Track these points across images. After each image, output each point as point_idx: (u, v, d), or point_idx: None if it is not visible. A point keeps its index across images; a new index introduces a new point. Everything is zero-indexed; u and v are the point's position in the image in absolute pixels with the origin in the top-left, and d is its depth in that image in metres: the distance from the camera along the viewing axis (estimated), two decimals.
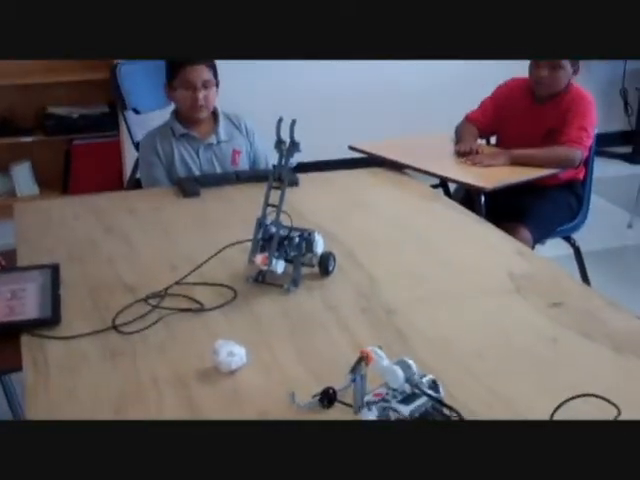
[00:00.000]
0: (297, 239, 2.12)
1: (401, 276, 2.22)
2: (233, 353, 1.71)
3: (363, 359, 1.46)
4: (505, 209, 3.31)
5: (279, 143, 2.09)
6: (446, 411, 1.43)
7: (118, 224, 2.60)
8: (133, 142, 5.00)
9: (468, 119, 3.73)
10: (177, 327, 1.91)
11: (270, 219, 2.11)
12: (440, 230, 2.60)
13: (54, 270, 2.14)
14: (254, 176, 3.08)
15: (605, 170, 5.51)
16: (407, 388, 1.43)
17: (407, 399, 1.42)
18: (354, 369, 1.48)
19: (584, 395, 1.51)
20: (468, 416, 1.50)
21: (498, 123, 3.68)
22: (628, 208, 5.23)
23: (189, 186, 2.94)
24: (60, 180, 5.23)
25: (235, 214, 2.71)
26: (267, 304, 2.03)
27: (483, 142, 3.82)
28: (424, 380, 1.46)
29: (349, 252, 2.36)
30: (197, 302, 2.02)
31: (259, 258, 2.06)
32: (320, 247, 2.17)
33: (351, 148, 3.61)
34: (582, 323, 1.93)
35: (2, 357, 1.90)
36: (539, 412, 1.53)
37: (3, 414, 2.15)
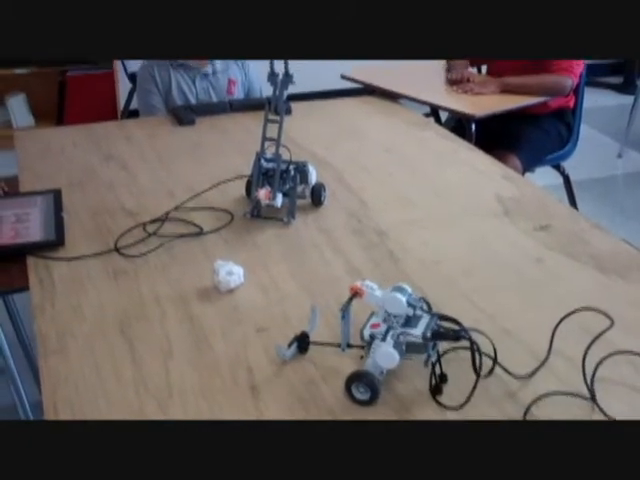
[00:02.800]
0: (292, 171, 2.15)
1: (392, 200, 2.27)
2: (232, 272, 1.77)
3: (355, 295, 1.45)
4: (495, 137, 3.36)
5: (272, 75, 2.09)
6: (448, 324, 1.45)
7: (116, 151, 2.65)
8: (126, 73, 5.03)
9: None
10: (177, 249, 1.97)
11: (268, 153, 2.13)
12: (430, 156, 2.65)
13: (56, 195, 2.19)
14: (248, 105, 3.12)
15: (596, 100, 5.55)
16: (409, 312, 1.43)
17: (409, 322, 1.43)
18: (345, 307, 1.46)
19: (580, 310, 1.53)
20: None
21: None
22: (618, 138, 5.28)
23: (184, 115, 2.98)
24: (55, 111, 5.25)
25: (229, 142, 2.76)
26: (263, 231, 2.08)
27: (474, 70, 3.86)
28: (416, 300, 1.47)
29: (340, 178, 2.42)
30: (196, 226, 2.08)
31: (262, 193, 2.07)
32: (313, 178, 2.21)
33: (343, 77, 3.65)
34: (568, 245, 1.99)
35: (8, 277, 1.96)
36: (523, 326, 1.62)
37: (7, 333, 2.21)
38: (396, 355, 1.38)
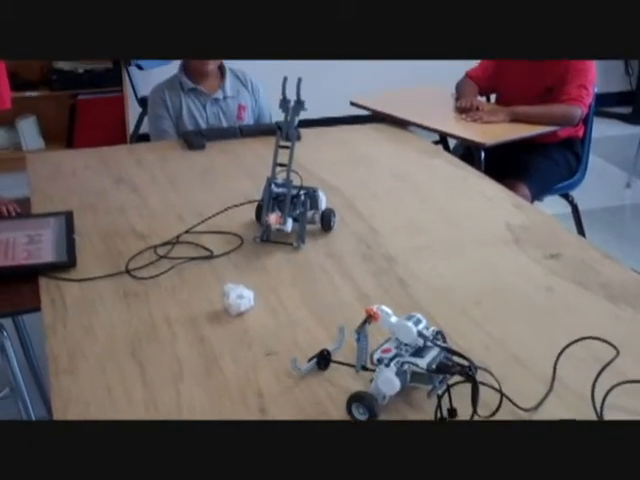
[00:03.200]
0: (303, 197, 2.16)
1: (401, 227, 2.28)
2: (242, 296, 1.78)
3: (370, 318, 1.46)
4: (504, 166, 3.37)
5: (284, 102, 2.10)
6: (457, 359, 1.44)
7: (127, 175, 2.67)
8: (137, 97, 5.06)
9: (468, 76, 3.77)
10: (187, 272, 1.98)
11: (279, 178, 2.14)
12: (440, 184, 2.66)
13: (68, 216, 2.21)
14: (257, 130, 3.14)
15: (604, 130, 5.55)
16: (419, 342, 1.44)
17: (418, 352, 1.43)
18: (360, 328, 1.48)
19: (585, 338, 1.56)
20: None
21: (498, 80, 3.72)
22: (626, 168, 5.28)
23: (195, 139, 3.00)
24: (65, 134, 5.28)
25: (239, 167, 2.78)
26: (273, 255, 2.09)
27: (483, 99, 3.87)
28: (430, 331, 1.48)
29: (350, 204, 2.43)
30: (206, 249, 2.09)
31: (273, 218, 2.08)
32: (323, 204, 2.22)
33: (353, 104, 3.67)
34: (578, 273, 1.99)
35: (20, 298, 1.97)
36: (533, 354, 1.62)
37: (16, 352, 2.22)
38: (397, 382, 1.39)
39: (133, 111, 5.20)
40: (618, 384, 1.46)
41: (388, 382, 1.40)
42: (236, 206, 2.33)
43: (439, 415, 1.41)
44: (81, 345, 1.65)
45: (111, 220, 2.28)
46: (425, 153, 2.99)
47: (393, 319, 1.45)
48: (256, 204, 2.24)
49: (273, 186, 2.12)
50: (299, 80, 2.01)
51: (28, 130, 5.20)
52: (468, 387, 1.42)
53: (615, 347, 1.51)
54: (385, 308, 1.47)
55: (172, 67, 3.36)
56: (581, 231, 3.74)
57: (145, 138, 3.58)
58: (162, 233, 2.18)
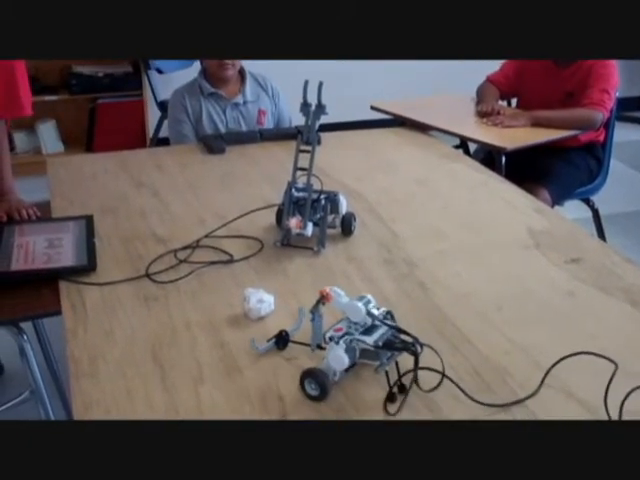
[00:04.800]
0: (323, 201, 2.16)
1: (422, 232, 2.27)
2: (262, 300, 1.78)
3: (323, 299, 1.55)
4: (525, 170, 3.36)
5: (305, 106, 2.09)
6: (405, 337, 1.52)
7: (147, 179, 2.67)
8: (156, 102, 5.07)
9: (489, 80, 3.76)
10: (207, 276, 1.98)
11: (300, 182, 2.14)
12: (461, 188, 2.65)
13: (88, 220, 2.22)
14: (277, 135, 3.14)
15: (626, 135, 5.53)
16: (368, 321, 1.53)
17: (368, 330, 1.52)
18: (314, 309, 1.57)
19: (582, 353, 1.55)
20: (485, 363, 1.58)
21: (519, 85, 3.71)
22: None
23: (214, 143, 3.00)
24: (84, 138, 5.31)
25: (259, 172, 2.77)
26: (293, 259, 2.09)
27: (504, 104, 3.86)
28: (380, 311, 1.56)
29: (371, 209, 2.42)
30: (226, 253, 2.09)
31: (293, 222, 2.09)
32: (344, 208, 2.21)
33: (373, 108, 3.66)
34: (599, 278, 1.98)
35: (41, 301, 1.97)
36: (555, 360, 1.59)
37: (36, 355, 2.23)
38: (345, 358, 1.48)
39: (153, 115, 5.22)
40: (634, 389, 1.44)
41: (338, 359, 1.48)
42: (255, 211, 2.33)
43: (389, 390, 1.50)
44: (101, 349, 1.65)
45: (131, 224, 2.29)
46: (446, 157, 2.98)
47: (344, 300, 1.54)
48: (276, 208, 2.24)
49: (294, 190, 2.12)
50: (320, 84, 2.00)
51: (48, 134, 5.23)
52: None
53: (614, 362, 1.50)
54: (337, 289, 1.55)
55: (192, 70, 3.37)
56: (602, 236, 3.72)
57: (165, 142, 3.58)
58: (182, 237, 2.18)
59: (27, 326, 2.23)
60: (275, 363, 1.61)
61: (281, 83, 3.39)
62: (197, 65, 3.33)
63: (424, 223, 2.33)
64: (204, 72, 3.26)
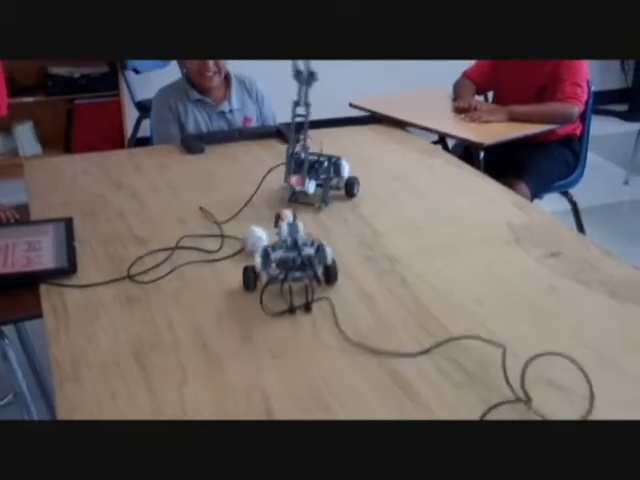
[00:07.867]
0: (326, 163, 2.41)
1: (403, 228, 2.28)
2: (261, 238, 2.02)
3: (279, 217, 1.93)
4: (503, 165, 3.37)
5: (298, 73, 2.23)
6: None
7: (126, 180, 2.66)
8: (134, 101, 5.05)
9: (465, 76, 3.78)
10: (189, 275, 1.98)
11: (298, 147, 2.33)
12: (440, 184, 2.65)
13: (68, 223, 2.20)
14: (256, 133, 3.14)
15: (602, 128, 5.55)
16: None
17: (289, 249, 1.86)
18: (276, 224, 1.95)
19: (548, 354, 1.53)
20: (467, 356, 1.59)
21: (494, 79, 3.73)
22: (624, 165, 5.30)
23: (193, 143, 2.99)
24: (62, 140, 5.29)
25: (239, 170, 2.77)
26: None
27: (481, 99, 3.87)
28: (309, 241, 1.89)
29: (352, 205, 2.43)
30: (207, 252, 2.09)
31: (293, 179, 2.30)
32: (346, 172, 2.45)
33: (352, 105, 3.66)
34: (579, 271, 1.99)
35: (22, 305, 1.97)
36: (536, 352, 1.60)
37: (18, 358, 2.22)
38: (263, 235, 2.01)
39: (130, 115, 5.20)
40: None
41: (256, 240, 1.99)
42: (237, 209, 2.33)
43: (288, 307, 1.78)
44: (84, 351, 1.64)
45: (111, 226, 2.28)
46: (424, 153, 2.99)
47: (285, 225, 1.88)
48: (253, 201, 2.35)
49: (299, 153, 2.35)
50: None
51: (25, 136, 5.19)
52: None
53: (579, 365, 1.50)
54: (289, 214, 1.90)
55: (169, 69, 3.34)
56: (581, 228, 3.74)
57: (143, 142, 3.57)
58: (163, 237, 2.18)
59: (9, 329, 2.22)
60: (259, 361, 1.61)
61: (263, 80, 3.36)
62: (174, 64, 3.30)
63: (404, 219, 2.34)
64: (188, 79, 3.22)
